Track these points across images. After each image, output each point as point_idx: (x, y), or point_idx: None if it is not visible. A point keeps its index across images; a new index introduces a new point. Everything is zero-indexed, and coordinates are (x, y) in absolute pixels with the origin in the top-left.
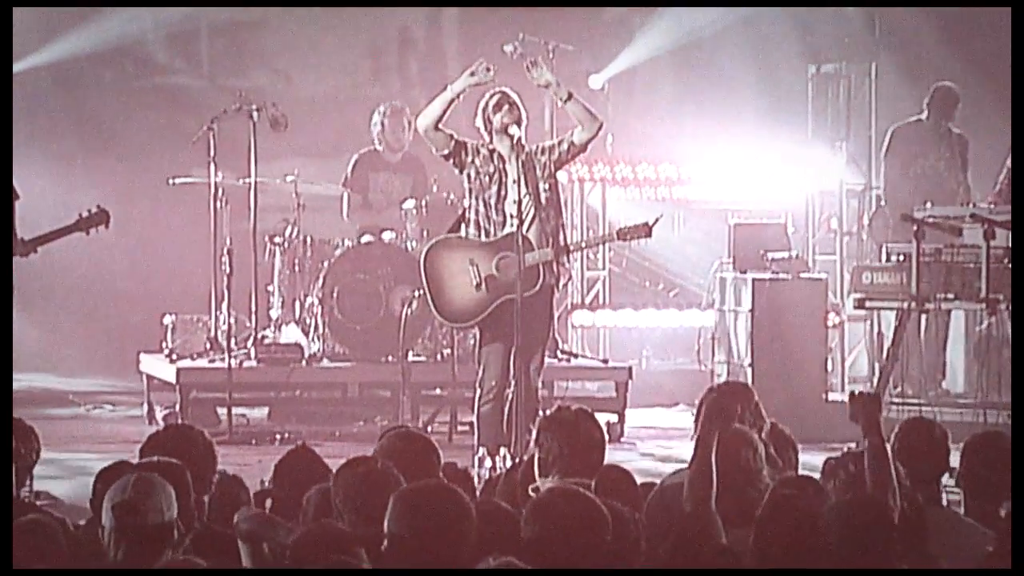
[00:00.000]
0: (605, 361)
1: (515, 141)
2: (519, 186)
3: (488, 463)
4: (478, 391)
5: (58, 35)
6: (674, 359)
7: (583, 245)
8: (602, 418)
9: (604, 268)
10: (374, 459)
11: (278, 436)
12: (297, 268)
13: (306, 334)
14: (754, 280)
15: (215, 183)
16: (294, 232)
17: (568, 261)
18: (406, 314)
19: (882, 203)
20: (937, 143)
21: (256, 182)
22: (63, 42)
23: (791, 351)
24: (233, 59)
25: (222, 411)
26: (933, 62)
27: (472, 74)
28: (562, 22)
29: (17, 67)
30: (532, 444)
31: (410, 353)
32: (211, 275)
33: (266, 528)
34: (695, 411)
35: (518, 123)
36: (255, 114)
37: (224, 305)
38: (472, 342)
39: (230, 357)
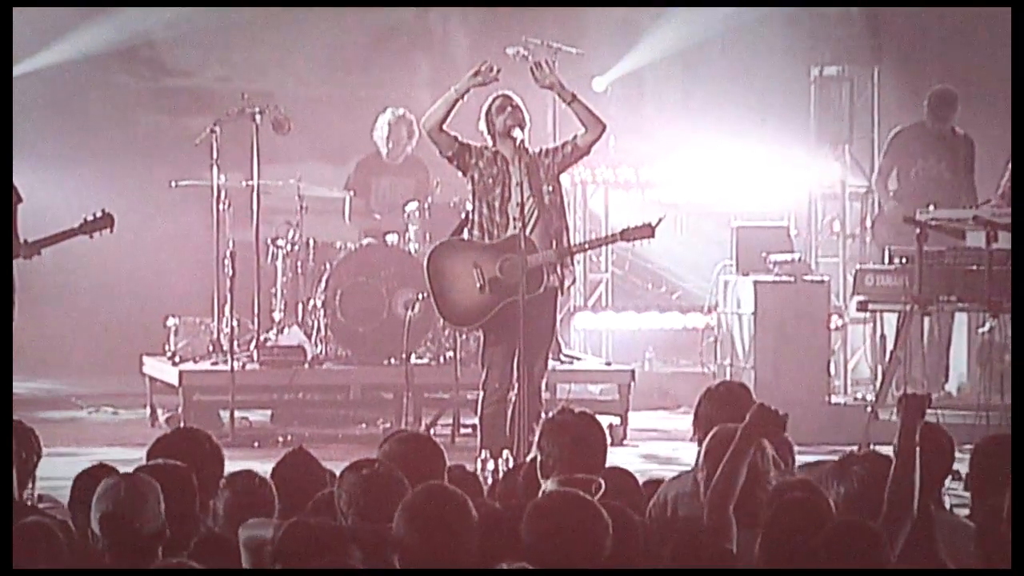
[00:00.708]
0: (608, 363)
1: (518, 144)
2: (522, 189)
3: (491, 466)
4: (481, 394)
5: (62, 37)
6: (677, 362)
7: (586, 246)
8: (605, 420)
9: (607, 271)
10: (378, 462)
11: (280, 439)
12: (300, 271)
13: (309, 337)
14: (756, 283)
15: (218, 186)
16: (297, 235)
17: (572, 263)
18: (409, 317)
19: (871, 195)
20: (938, 145)
21: (259, 185)
22: (67, 44)
23: (793, 354)
24: (236, 62)
25: (225, 414)
26: (936, 65)
27: (476, 75)
28: (566, 25)
29: (21, 69)
30: (534, 447)
31: (413, 356)
32: (214, 278)
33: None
34: (694, 411)
35: (521, 126)
36: (258, 117)
37: (227, 308)
38: (475, 345)
39: (233, 360)
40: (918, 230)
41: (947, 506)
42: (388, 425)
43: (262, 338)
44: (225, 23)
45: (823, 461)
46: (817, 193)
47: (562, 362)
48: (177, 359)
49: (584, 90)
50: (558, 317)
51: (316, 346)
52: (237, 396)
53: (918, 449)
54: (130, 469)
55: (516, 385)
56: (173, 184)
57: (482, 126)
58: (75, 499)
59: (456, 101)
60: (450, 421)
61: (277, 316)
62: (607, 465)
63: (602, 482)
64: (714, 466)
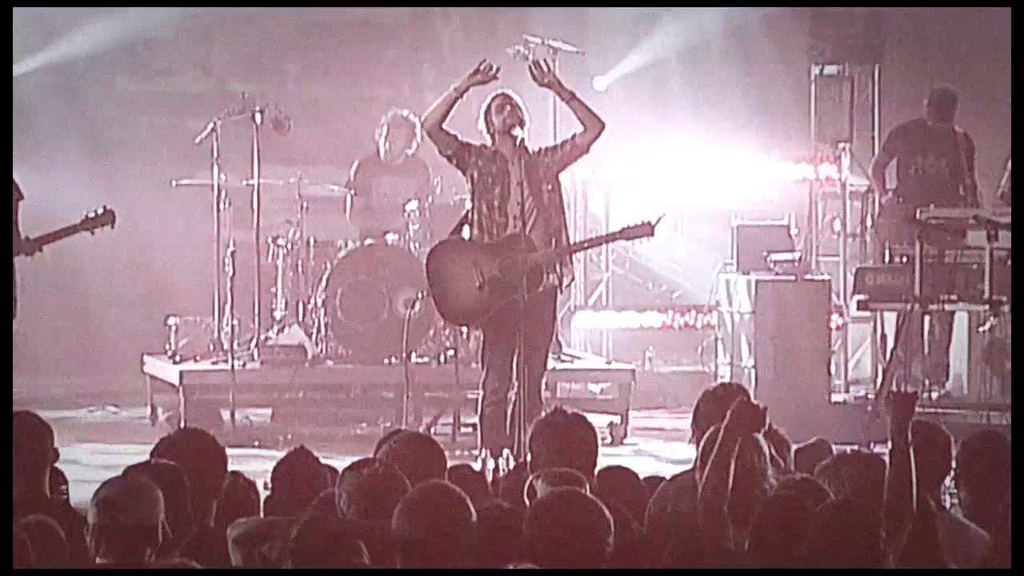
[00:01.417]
0: (608, 362)
1: (518, 143)
2: (522, 188)
3: (491, 465)
4: (481, 393)
5: (62, 35)
6: (677, 361)
7: (586, 245)
8: (605, 420)
9: (607, 269)
10: (378, 462)
11: (281, 438)
12: (300, 270)
13: (309, 336)
14: (757, 281)
15: (218, 185)
16: (297, 234)
17: (571, 262)
18: (409, 316)
19: (872, 194)
20: (938, 143)
21: (259, 184)
22: (67, 42)
23: (794, 353)
24: (237, 61)
25: (225, 413)
26: (937, 63)
27: (475, 73)
28: (567, 24)
29: (22, 68)
30: (527, 447)
31: (413, 355)
32: (215, 277)
33: (263, 532)
34: (693, 412)
35: (521, 125)
36: (258, 116)
37: (227, 307)
38: (475, 344)
39: (233, 359)
40: (918, 229)
41: (947, 505)
42: (388, 424)
43: (263, 337)
44: (226, 23)
45: (816, 443)
46: (818, 192)
47: (562, 361)
48: (178, 358)
49: (585, 89)
50: (558, 316)
51: (317, 345)
52: (238, 395)
53: (912, 447)
54: None
55: (516, 384)
56: (174, 183)
57: (481, 125)
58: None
59: (456, 100)
60: (450, 420)
61: (278, 315)
62: (605, 465)
63: (593, 480)
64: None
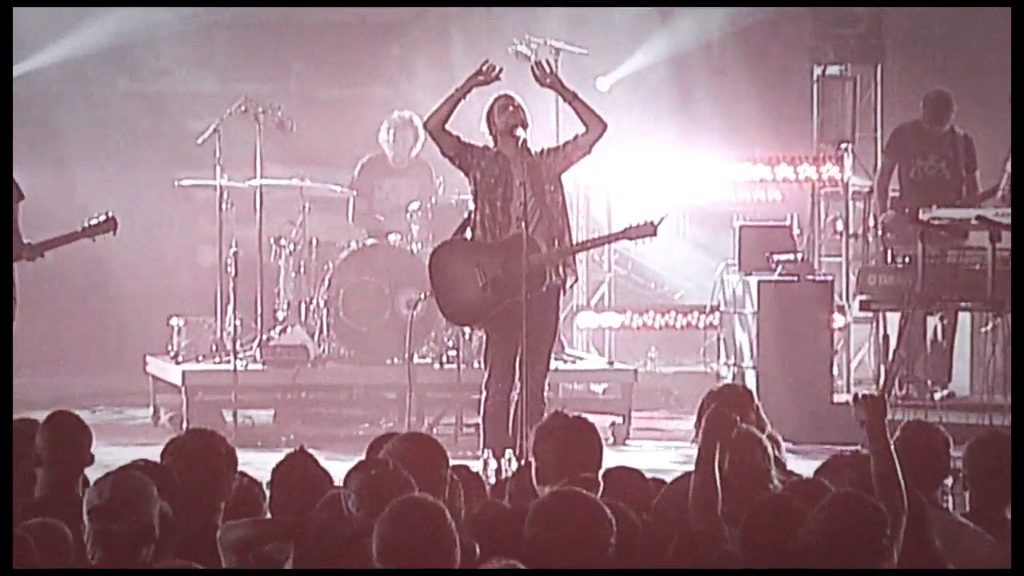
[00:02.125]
0: (610, 363)
1: (520, 143)
2: (524, 188)
3: (494, 465)
4: (484, 393)
5: (64, 35)
6: (679, 361)
7: (588, 245)
8: (607, 420)
9: (609, 270)
10: (386, 461)
11: (283, 438)
12: (303, 270)
13: (312, 336)
14: (759, 282)
15: (221, 186)
16: (300, 234)
17: (574, 262)
18: (412, 316)
19: (874, 195)
20: (938, 144)
21: (262, 184)
22: (69, 42)
23: (796, 353)
24: (239, 62)
25: (227, 413)
26: (939, 63)
27: (478, 74)
28: (569, 25)
29: (24, 67)
30: (530, 452)
31: (416, 355)
32: (217, 277)
33: (259, 532)
34: (696, 413)
35: (523, 125)
36: (260, 116)
37: (230, 307)
38: (478, 344)
39: (236, 359)
40: (920, 230)
41: (949, 506)
42: (391, 425)
43: (265, 337)
44: (228, 24)
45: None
46: (820, 192)
47: (565, 361)
48: (180, 358)
49: (588, 89)
50: (561, 316)
51: (319, 345)
52: (240, 396)
53: (894, 447)
54: None
55: (518, 384)
56: (176, 184)
57: (484, 126)
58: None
59: (458, 101)
60: (453, 420)
61: (280, 315)
62: (608, 465)
63: (600, 482)
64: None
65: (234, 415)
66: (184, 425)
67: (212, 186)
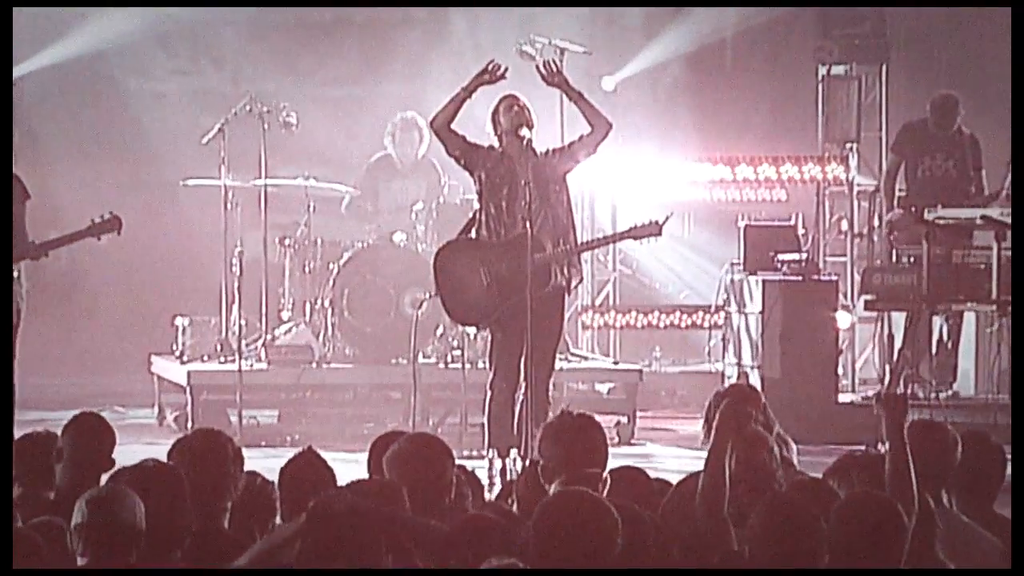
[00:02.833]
0: (615, 363)
1: (525, 143)
2: (529, 188)
3: (498, 465)
4: (488, 393)
5: (69, 34)
6: (684, 361)
7: (593, 244)
8: (612, 420)
9: (614, 269)
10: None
11: (288, 438)
12: (308, 270)
13: (316, 336)
14: (764, 281)
15: (226, 185)
16: (305, 234)
17: (579, 262)
18: (416, 316)
19: (879, 195)
20: (945, 144)
21: (267, 184)
22: (74, 41)
23: (801, 353)
24: (244, 61)
25: (232, 413)
26: (944, 63)
27: (483, 74)
28: (575, 24)
29: (31, 66)
30: (536, 451)
31: (420, 355)
32: (222, 277)
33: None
34: (704, 414)
35: (528, 125)
36: (266, 116)
37: (235, 307)
38: (482, 344)
39: (240, 359)
40: (926, 229)
41: (953, 505)
42: (395, 424)
43: (270, 337)
44: (234, 24)
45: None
46: (825, 192)
47: (570, 361)
48: (185, 358)
49: (593, 89)
50: (566, 316)
51: (324, 345)
52: (245, 395)
53: (908, 447)
54: None
55: (523, 384)
56: (182, 183)
57: (489, 126)
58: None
59: (464, 100)
60: (457, 420)
61: (285, 315)
62: (613, 465)
63: (607, 477)
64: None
65: (239, 415)
66: (189, 425)
67: (217, 186)
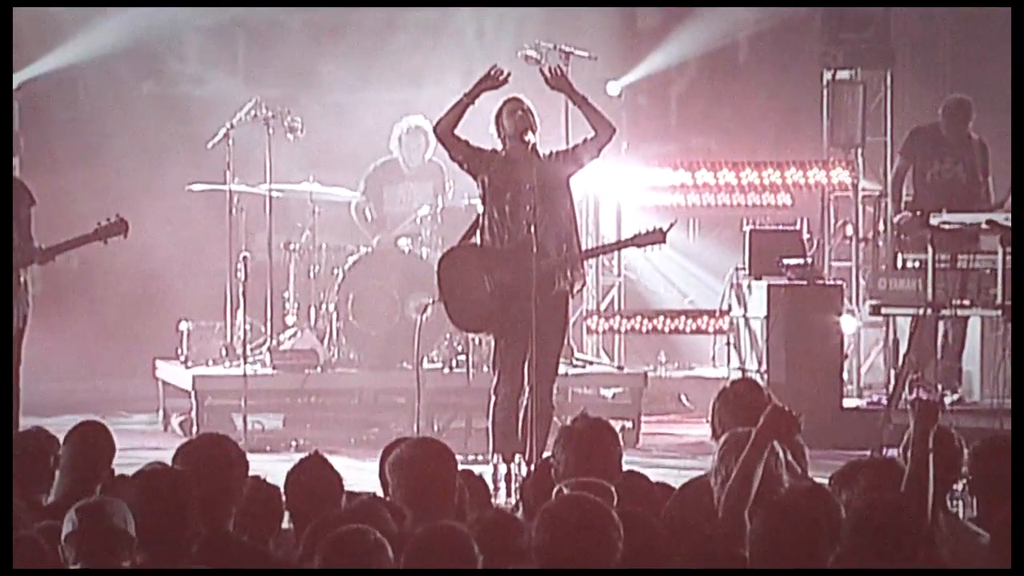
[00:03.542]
0: (620, 367)
1: (529, 147)
2: (533, 192)
3: (503, 470)
4: (492, 398)
5: (74, 38)
6: (689, 365)
7: (598, 251)
8: (617, 424)
9: (619, 274)
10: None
11: (293, 443)
12: (312, 275)
13: (321, 341)
14: (770, 286)
15: (231, 190)
16: (310, 239)
17: (582, 267)
18: (421, 321)
19: (884, 199)
20: (955, 148)
21: (272, 189)
22: (79, 45)
23: (806, 358)
24: (250, 66)
25: (237, 418)
26: (949, 67)
27: (487, 79)
28: (580, 29)
29: (37, 70)
30: (550, 452)
31: (425, 360)
32: (227, 282)
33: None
34: (711, 409)
35: (532, 129)
36: (271, 121)
37: (240, 312)
38: (487, 349)
39: (246, 364)
40: (931, 234)
41: (959, 511)
42: (400, 429)
43: (275, 342)
44: (239, 28)
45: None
46: (830, 197)
47: (575, 366)
48: (190, 363)
49: (598, 94)
50: (570, 321)
51: (328, 350)
52: (250, 400)
53: (931, 452)
54: None
55: (527, 389)
56: (187, 188)
57: (492, 128)
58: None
59: (467, 106)
60: (462, 425)
61: (290, 320)
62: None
63: (613, 490)
64: (728, 469)
65: (244, 420)
66: (194, 430)
67: (222, 191)
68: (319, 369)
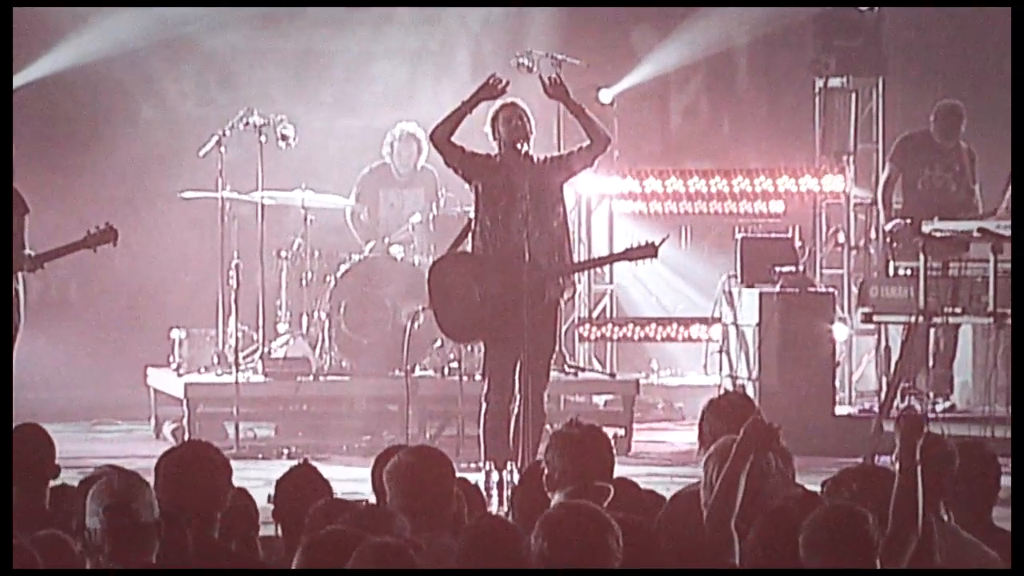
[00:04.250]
0: (612, 375)
1: (523, 154)
2: (526, 199)
3: (495, 477)
4: (483, 405)
5: (65, 42)
6: (681, 373)
7: (589, 264)
8: (609, 432)
9: (611, 282)
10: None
11: (285, 450)
12: (304, 282)
13: (313, 348)
14: (761, 294)
15: (223, 198)
16: (302, 246)
17: (574, 276)
18: (412, 328)
19: (876, 207)
20: (945, 155)
21: (264, 196)
22: (71, 50)
23: (798, 365)
24: (242, 73)
25: (229, 425)
26: (941, 75)
27: (484, 87)
28: (572, 37)
29: (27, 77)
30: (542, 459)
31: (417, 367)
32: (219, 289)
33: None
34: (698, 425)
35: (527, 139)
36: (263, 129)
37: (232, 319)
38: (478, 356)
39: (238, 371)
40: (922, 241)
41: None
42: (392, 437)
43: (267, 350)
44: (235, 34)
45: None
46: (822, 204)
47: (566, 373)
48: (182, 371)
49: (590, 102)
50: (562, 328)
51: (320, 358)
52: (242, 408)
53: (920, 466)
54: None
55: (518, 396)
56: (179, 196)
57: (486, 128)
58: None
59: (464, 115)
60: (454, 432)
61: (282, 327)
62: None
63: (611, 488)
64: (712, 480)
65: (236, 427)
66: (186, 437)
67: (214, 198)
68: (311, 377)
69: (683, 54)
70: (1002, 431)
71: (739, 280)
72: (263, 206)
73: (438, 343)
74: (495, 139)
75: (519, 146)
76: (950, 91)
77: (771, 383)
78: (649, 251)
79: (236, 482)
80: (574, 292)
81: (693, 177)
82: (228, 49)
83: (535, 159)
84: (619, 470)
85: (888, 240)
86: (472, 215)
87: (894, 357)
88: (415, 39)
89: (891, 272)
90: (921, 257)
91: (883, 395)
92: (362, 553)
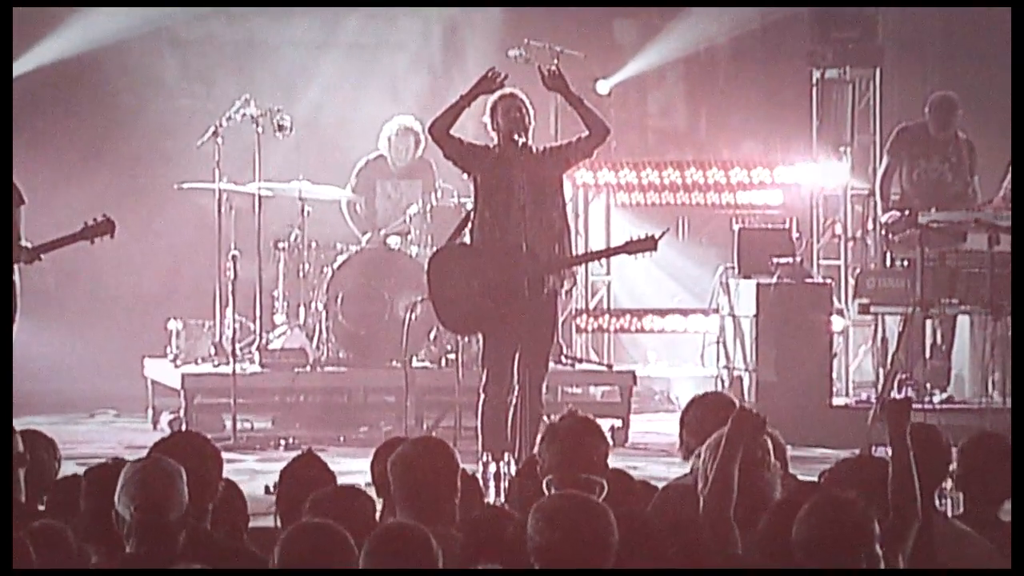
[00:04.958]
0: (609, 366)
1: (521, 146)
2: (525, 190)
3: (493, 468)
4: (481, 396)
5: (61, 35)
6: (678, 364)
7: (588, 257)
8: (606, 423)
9: (609, 273)
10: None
11: (282, 441)
12: (302, 273)
13: (311, 339)
14: (759, 285)
15: (220, 188)
16: (299, 237)
17: (572, 266)
18: (410, 319)
19: (873, 198)
20: (942, 147)
21: (261, 187)
22: (67, 42)
23: (795, 356)
24: (240, 64)
25: (226, 416)
26: (938, 67)
27: (483, 81)
28: (570, 28)
29: (23, 68)
30: (536, 450)
31: (415, 358)
32: (216, 280)
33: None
34: (680, 419)
35: (525, 127)
36: (260, 119)
37: (229, 310)
38: (476, 347)
39: (235, 362)
40: (919, 232)
41: (947, 509)
42: (390, 428)
43: (264, 341)
44: (232, 27)
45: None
46: (819, 196)
47: (563, 364)
48: (179, 361)
49: (587, 93)
50: (560, 319)
51: (318, 349)
52: (239, 399)
53: (912, 452)
54: None
55: (516, 388)
56: (177, 187)
57: (486, 119)
58: (90, 494)
59: (463, 108)
60: (452, 423)
61: (279, 318)
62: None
63: (604, 483)
64: (707, 472)
65: (233, 418)
66: (183, 428)
67: (211, 189)
68: (308, 368)
69: (680, 46)
70: (999, 422)
71: (736, 271)
72: (260, 197)
73: (435, 334)
74: (494, 130)
75: (517, 137)
76: (947, 82)
77: (768, 374)
78: (649, 244)
79: (233, 473)
80: (574, 284)
81: (690, 168)
82: (231, 40)
83: (534, 150)
84: (616, 461)
85: (885, 231)
86: (471, 207)
87: (891, 348)
88: (416, 34)
89: (888, 263)
90: (918, 248)
91: (880, 386)
92: (379, 536)
